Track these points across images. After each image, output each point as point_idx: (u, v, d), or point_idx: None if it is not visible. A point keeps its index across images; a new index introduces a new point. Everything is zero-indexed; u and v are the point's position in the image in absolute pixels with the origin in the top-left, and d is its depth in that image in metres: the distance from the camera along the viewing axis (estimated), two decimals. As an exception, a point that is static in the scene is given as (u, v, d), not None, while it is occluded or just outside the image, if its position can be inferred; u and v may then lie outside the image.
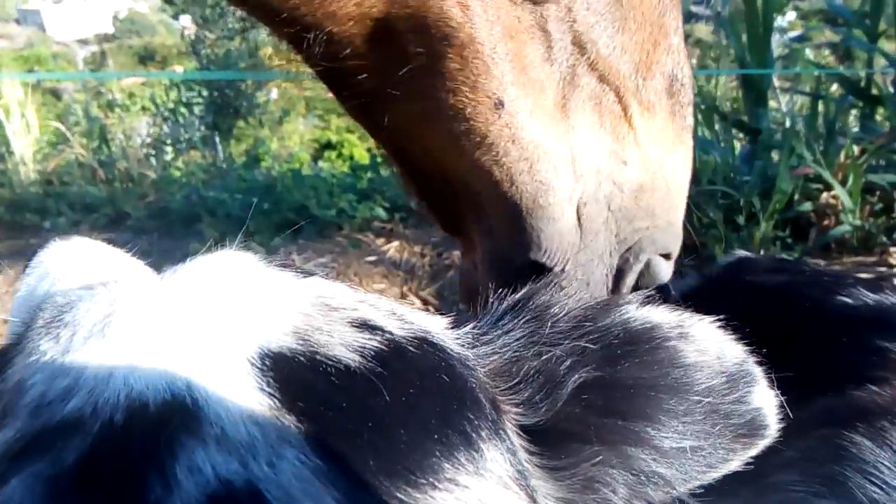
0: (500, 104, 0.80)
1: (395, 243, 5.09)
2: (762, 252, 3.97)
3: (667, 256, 0.94)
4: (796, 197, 4.08)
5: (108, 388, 0.46)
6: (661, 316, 0.64)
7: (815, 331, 1.08)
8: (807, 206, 4.09)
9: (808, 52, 8.34)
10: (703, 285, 1.34)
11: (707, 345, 0.63)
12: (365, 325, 0.56)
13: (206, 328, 0.51)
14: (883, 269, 3.95)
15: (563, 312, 0.64)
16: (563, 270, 0.89)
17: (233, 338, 0.51)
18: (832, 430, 0.81)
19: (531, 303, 0.66)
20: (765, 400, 0.64)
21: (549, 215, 0.85)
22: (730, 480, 0.66)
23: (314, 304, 0.58)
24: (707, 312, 1.06)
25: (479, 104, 0.80)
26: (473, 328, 0.65)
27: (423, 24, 0.76)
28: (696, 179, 4.47)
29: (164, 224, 5.36)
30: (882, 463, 0.76)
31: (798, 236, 4.13)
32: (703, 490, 0.63)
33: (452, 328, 0.65)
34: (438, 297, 4.64)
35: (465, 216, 0.96)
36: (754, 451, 0.63)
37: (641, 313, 0.64)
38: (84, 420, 0.45)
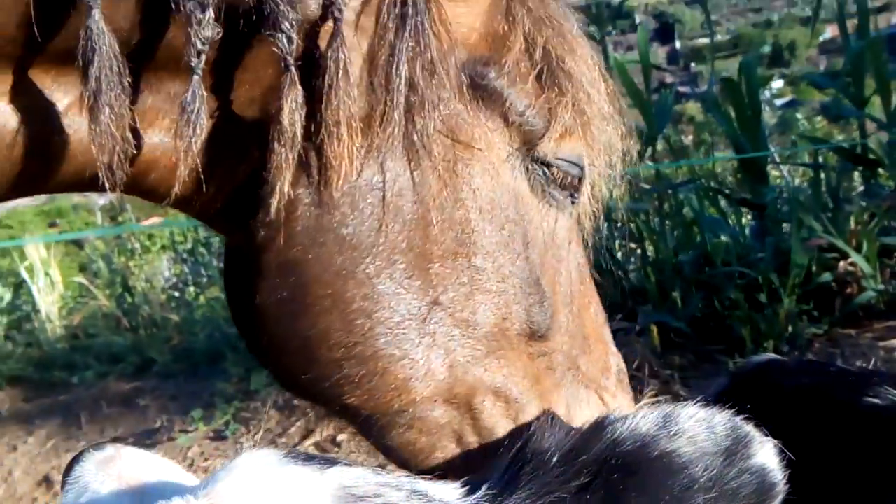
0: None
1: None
2: (790, 329, 3.92)
3: None
4: (814, 269, 4.06)
5: None
6: (647, 422, 0.68)
7: (847, 436, 1.06)
8: (826, 276, 4.07)
9: (800, 116, 8.51)
10: (731, 390, 1.33)
11: (696, 430, 0.67)
12: None
13: None
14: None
15: (559, 450, 0.69)
16: None
17: None
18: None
19: (528, 451, 0.70)
20: (765, 457, 0.66)
21: None
22: None
23: (340, 497, 0.61)
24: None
25: (519, 425, 1.12)
26: (487, 490, 0.69)
27: (472, 397, 1.10)
28: (710, 262, 4.46)
29: (189, 366, 5.40)
30: None
31: (823, 308, 4.08)
32: None
33: (469, 494, 0.69)
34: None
35: None
36: None
37: (628, 427, 0.68)
38: None
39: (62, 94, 0.92)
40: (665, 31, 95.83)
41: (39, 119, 0.92)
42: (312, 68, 0.94)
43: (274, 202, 0.96)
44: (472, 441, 1.13)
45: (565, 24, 1.11)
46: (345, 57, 0.92)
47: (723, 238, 4.30)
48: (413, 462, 1.15)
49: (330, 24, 0.92)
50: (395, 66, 0.95)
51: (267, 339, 1.08)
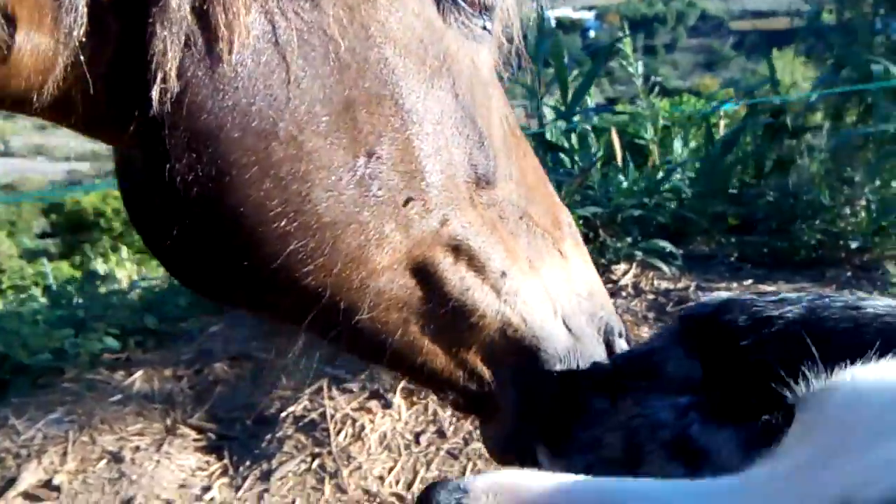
0: (504, 274, 1.11)
1: (140, 373, 4.40)
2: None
3: (620, 335, 1.27)
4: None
5: None
6: None
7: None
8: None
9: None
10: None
11: None
12: None
13: None
14: (610, 286, 4.63)
15: None
16: (577, 365, 1.20)
17: None
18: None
19: None
20: None
21: (553, 340, 1.18)
22: None
23: None
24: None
25: (488, 277, 1.09)
26: None
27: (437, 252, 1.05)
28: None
29: None
30: None
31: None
32: None
33: None
34: (213, 420, 4.12)
35: (481, 384, 1.19)
36: None
37: None
38: None
39: None
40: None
41: None
42: None
43: (156, 91, 0.84)
44: (447, 311, 1.08)
45: None
46: None
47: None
48: (392, 346, 1.08)
49: None
50: None
51: (195, 234, 0.93)
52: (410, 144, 0.98)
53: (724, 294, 1.25)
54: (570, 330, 1.21)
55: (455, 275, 1.07)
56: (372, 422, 3.78)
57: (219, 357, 4.53)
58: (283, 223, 0.92)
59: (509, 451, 1.28)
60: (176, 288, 4.93)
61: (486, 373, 1.17)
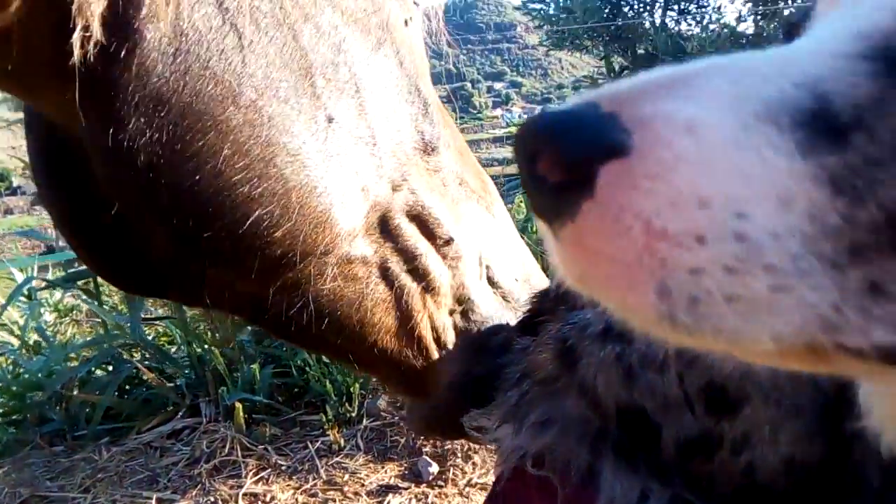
0: (451, 241, 1.14)
1: None
2: (361, 379, 4.21)
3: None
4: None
5: None
6: None
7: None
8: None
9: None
10: None
11: None
12: None
13: None
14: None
15: None
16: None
17: None
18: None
19: None
20: None
21: (486, 303, 1.22)
22: None
23: None
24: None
25: (437, 242, 1.13)
26: None
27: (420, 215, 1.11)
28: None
29: None
30: None
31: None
32: None
33: None
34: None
35: (428, 358, 1.19)
36: None
37: None
38: None
39: None
40: None
41: None
42: None
43: (78, 49, 0.79)
44: (402, 279, 1.09)
45: None
46: None
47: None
48: (352, 321, 1.07)
49: None
50: None
51: (144, 205, 0.91)
52: (364, 110, 1.01)
53: None
54: (504, 292, 1.24)
55: (410, 240, 1.08)
56: (213, 536, 3.31)
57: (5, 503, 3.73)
58: (246, 189, 0.90)
59: (436, 421, 1.26)
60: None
61: (434, 345, 1.17)
